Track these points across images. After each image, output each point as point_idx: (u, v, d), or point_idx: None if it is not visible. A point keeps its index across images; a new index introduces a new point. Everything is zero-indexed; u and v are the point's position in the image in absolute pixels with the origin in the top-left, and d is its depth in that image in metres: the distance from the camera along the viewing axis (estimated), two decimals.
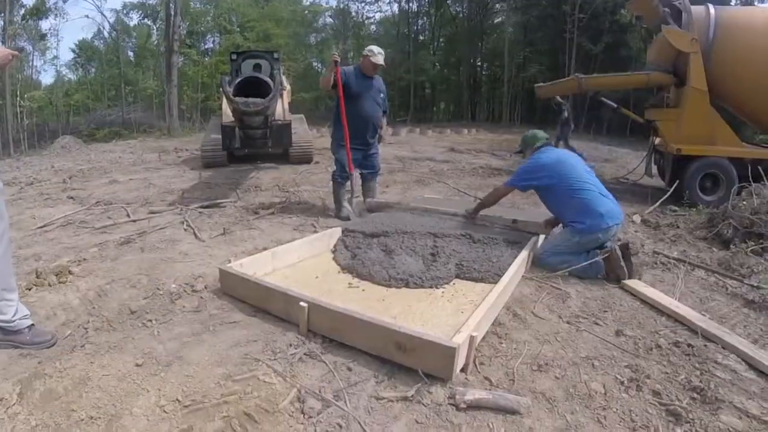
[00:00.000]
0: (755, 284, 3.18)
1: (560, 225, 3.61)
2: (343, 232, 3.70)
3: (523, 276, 3.12)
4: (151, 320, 2.36)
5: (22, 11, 22.91)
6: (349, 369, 1.99)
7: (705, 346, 2.30)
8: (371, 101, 4.57)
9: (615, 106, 8.29)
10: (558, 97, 8.82)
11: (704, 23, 6.09)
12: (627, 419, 1.76)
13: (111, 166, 8.07)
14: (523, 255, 3.16)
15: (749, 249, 3.82)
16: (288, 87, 8.82)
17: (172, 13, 17.17)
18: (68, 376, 1.87)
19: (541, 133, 3.71)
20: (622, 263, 3.06)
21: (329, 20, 34.83)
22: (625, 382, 1.98)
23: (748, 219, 4.10)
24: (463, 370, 1.98)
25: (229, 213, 4.69)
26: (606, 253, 3.08)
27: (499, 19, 32.28)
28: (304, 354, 2.07)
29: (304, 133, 8.75)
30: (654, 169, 8.00)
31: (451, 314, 2.50)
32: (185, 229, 4.07)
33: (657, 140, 7.42)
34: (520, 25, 27.63)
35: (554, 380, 1.98)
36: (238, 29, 22.85)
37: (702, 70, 6.02)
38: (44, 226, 4.21)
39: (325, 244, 3.54)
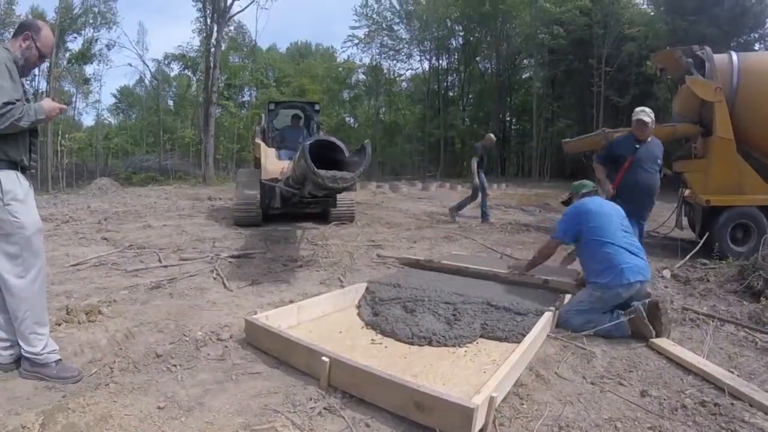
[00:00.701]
0: None
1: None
2: (367, 288, 3.75)
3: (548, 335, 3.06)
4: (175, 365, 2.43)
5: (68, 54, 24.86)
6: (367, 426, 1.98)
7: (732, 404, 2.24)
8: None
9: None
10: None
11: (727, 71, 6.12)
12: None
13: (146, 211, 8.43)
14: (548, 315, 3.13)
15: None
16: None
17: (212, 65, 18.35)
18: (90, 413, 1.94)
19: (588, 182, 3.75)
20: (647, 322, 2.97)
21: (362, 77, 36.49)
22: None
23: None
24: (481, 431, 1.93)
25: (258, 264, 4.82)
26: (631, 314, 3.01)
27: (527, 74, 33.17)
28: (324, 408, 2.08)
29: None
30: (684, 221, 7.81)
31: (473, 374, 2.46)
32: (215, 278, 4.20)
33: (686, 192, 7.30)
34: (547, 80, 28.26)
35: None
36: (275, 84, 24.24)
37: (728, 118, 5.99)
38: (77, 264, 4.46)
39: (350, 299, 3.58)
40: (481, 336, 3.01)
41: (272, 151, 7.10)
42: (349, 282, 4.30)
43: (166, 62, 30.17)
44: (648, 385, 2.46)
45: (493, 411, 1.98)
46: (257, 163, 8.16)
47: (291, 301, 3.60)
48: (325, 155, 4.07)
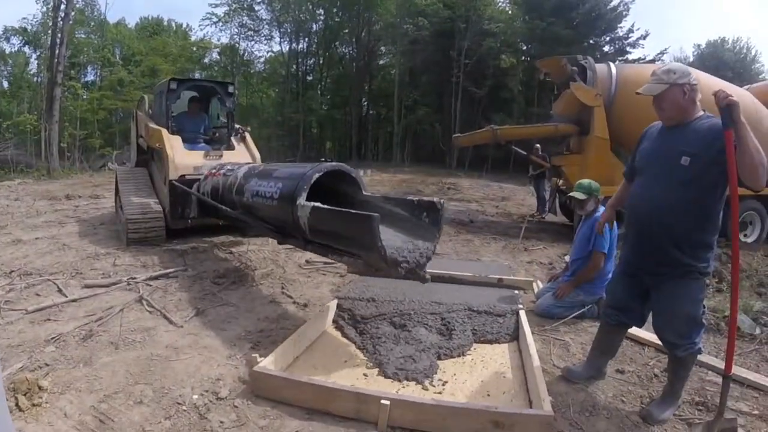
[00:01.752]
0: None
1: (556, 279, 3.96)
2: (340, 306, 3.51)
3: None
4: None
5: None
6: None
7: None
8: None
9: (525, 153, 9.25)
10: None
11: (607, 80, 7.10)
12: None
13: (2, 218, 6.54)
14: (523, 313, 3.45)
15: None
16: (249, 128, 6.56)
17: (58, 41, 15.02)
18: None
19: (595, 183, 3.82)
20: None
21: (216, 57, 33.67)
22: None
23: None
24: None
25: (186, 285, 4.14)
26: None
27: (384, 61, 34.15)
28: None
29: None
30: (557, 208, 9.04)
31: (498, 380, 2.65)
32: (149, 311, 3.49)
33: (560, 182, 8.39)
34: (405, 68, 29.45)
35: (606, 420, 2.31)
36: (122, 63, 20.92)
37: (605, 121, 6.98)
38: None
39: (327, 321, 3.35)
40: (475, 341, 3.14)
41: (178, 141, 5.64)
42: (298, 296, 4.06)
43: (6, 37, 25.57)
44: (619, 363, 2.90)
45: None
46: (140, 160, 6.87)
47: (261, 331, 3.26)
48: (326, 184, 3.34)
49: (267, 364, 2.40)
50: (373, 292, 3.84)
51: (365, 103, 35.27)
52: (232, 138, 6.20)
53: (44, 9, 20.26)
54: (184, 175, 5.31)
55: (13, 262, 4.57)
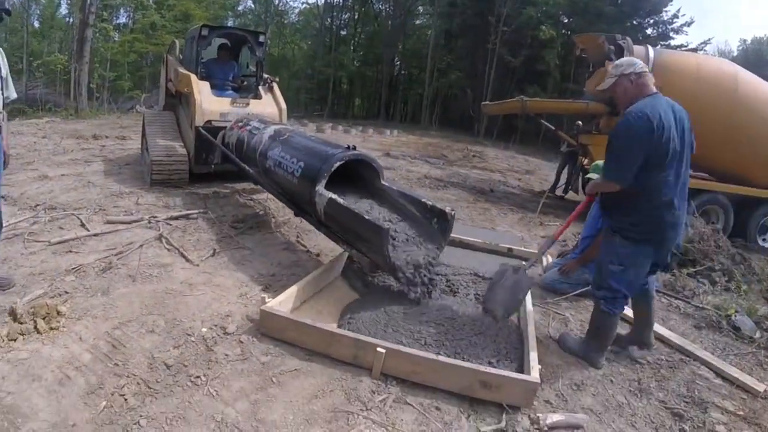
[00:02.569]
0: (700, 305, 3.79)
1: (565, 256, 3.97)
2: (350, 257, 3.59)
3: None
4: (198, 376, 2.09)
5: None
6: (438, 409, 2.07)
7: (681, 360, 2.87)
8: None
9: (553, 128, 9.03)
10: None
11: (643, 62, 6.77)
12: (649, 422, 2.22)
13: (30, 155, 6.73)
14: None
15: (687, 273, 4.43)
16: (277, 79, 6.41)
17: None
18: None
19: None
20: None
21: (251, 5, 33.14)
22: (638, 393, 2.45)
23: (683, 247, 4.66)
24: None
25: (205, 227, 4.27)
26: None
27: (420, 21, 33.11)
28: (393, 400, 2.07)
29: None
30: (579, 186, 8.87)
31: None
32: (168, 249, 3.64)
33: (585, 161, 8.19)
34: (441, 30, 28.55)
35: (593, 397, 2.37)
36: (155, 6, 20.76)
37: None
38: None
39: (336, 271, 3.44)
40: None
41: (206, 86, 5.58)
42: (312, 246, 4.16)
43: None
44: (615, 344, 2.89)
45: None
46: (168, 104, 6.94)
47: (273, 275, 3.39)
48: (361, 176, 3.43)
49: (274, 304, 2.51)
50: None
51: (397, 62, 34.45)
52: (260, 87, 6.19)
53: None
54: (210, 121, 5.34)
55: (39, 196, 4.73)
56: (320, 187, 3.18)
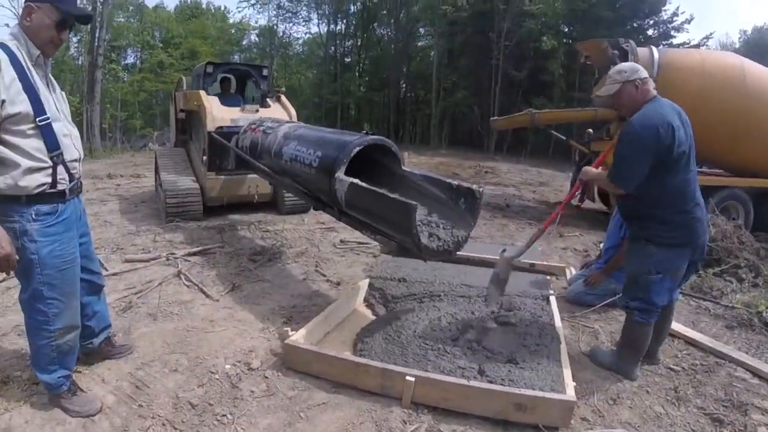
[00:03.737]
0: (730, 305, 3.67)
1: (589, 266, 3.84)
2: (371, 285, 3.55)
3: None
4: (224, 414, 2.04)
5: None
6: None
7: (717, 363, 2.79)
8: None
9: (564, 138, 8.97)
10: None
11: (648, 64, 6.72)
12: (690, 431, 2.16)
13: None
14: (554, 299, 3.43)
15: (713, 273, 4.30)
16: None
17: (98, 25, 15.64)
18: None
19: None
20: None
21: (255, 38, 34.04)
22: (675, 402, 2.38)
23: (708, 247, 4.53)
24: None
25: (223, 261, 4.27)
26: None
27: (423, 42, 33.58)
28: (425, 429, 2.01)
29: None
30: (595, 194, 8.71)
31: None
32: (187, 286, 3.63)
33: (601, 168, 8.07)
34: (444, 50, 28.87)
35: (630, 410, 2.29)
36: (161, 45, 21.44)
37: None
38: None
39: (359, 299, 3.40)
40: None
41: (215, 99, 5.75)
42: (331, 275, 4.11)
43: None
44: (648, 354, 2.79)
45: None
46: (179, 141, 7.06)
47: (294, 306, 3.34)
48: (365, 154, 3.16)
49: (298, 337, 2.46)
50: (405, 273, 3.85)
51: (403, 85, 34.82)
52: (268, 99, 6.28)
53: None
54: (221, 127, 5.35)
55: None
56: (340, 173, 3.01)
